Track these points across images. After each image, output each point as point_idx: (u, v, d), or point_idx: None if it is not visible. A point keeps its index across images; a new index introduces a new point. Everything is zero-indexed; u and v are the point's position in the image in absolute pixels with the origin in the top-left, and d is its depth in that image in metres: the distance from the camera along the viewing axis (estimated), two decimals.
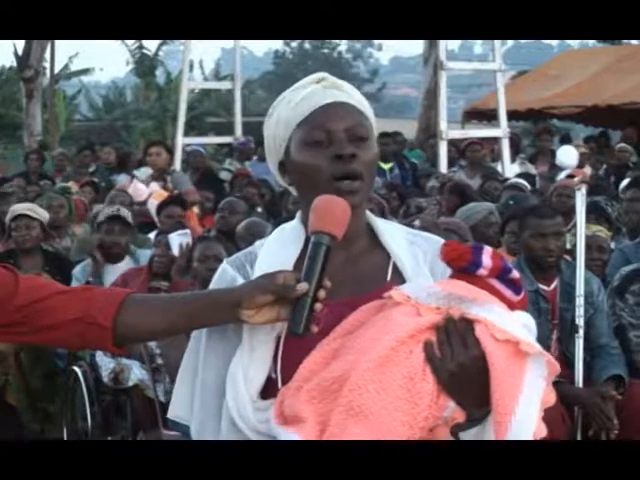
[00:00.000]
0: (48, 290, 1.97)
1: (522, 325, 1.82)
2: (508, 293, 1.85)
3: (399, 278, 1.96)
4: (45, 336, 1.97)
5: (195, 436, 1.99)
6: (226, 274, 2.01)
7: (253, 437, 1.89)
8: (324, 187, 1.91)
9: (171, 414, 2.05)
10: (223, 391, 1.92)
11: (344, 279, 1.94)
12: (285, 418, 1.84)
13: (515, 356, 1.78)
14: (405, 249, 1.99)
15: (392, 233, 2.03)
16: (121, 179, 10.60)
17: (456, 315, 1.81)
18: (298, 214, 2.04)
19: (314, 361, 1.86)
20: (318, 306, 1.83)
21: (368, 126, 1.97)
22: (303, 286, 1.82)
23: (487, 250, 1.84)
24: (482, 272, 1.83)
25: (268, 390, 1.91)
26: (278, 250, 2.00)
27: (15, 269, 2.00)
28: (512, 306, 1.85)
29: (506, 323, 1.79)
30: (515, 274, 1.85)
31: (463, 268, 1.84)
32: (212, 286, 2.03)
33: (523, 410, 1.76)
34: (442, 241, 2.00)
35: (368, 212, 2.05)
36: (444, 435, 1.83)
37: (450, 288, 1.84)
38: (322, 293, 1.84)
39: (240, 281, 1.97)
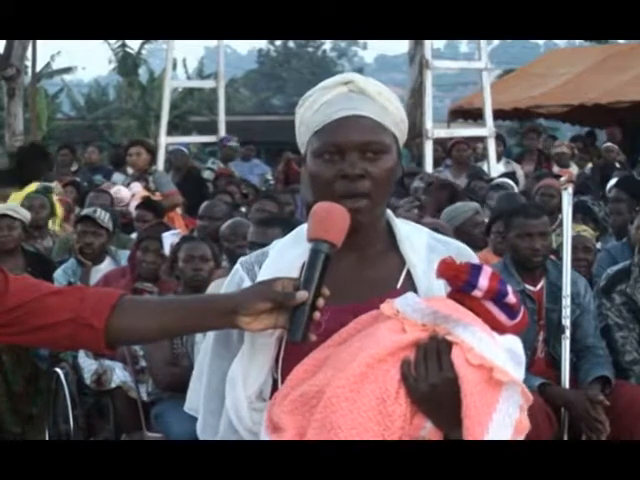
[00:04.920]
0: (39, 290, 1.96)
1: (506, 350, 1.80)
2: (502, 317, 1.83)
3: (410, 286, 1.94)
4: (36, 337, 1.96)
5: (199, 432, 2.04)
6: (236, 274, 2.03)
7: (248, 437, 1.91)
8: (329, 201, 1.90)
9: (186, 407, 2.09)
10: (224, 391, 1.94)
11: (354, 282, 1.94)
12: (272, 425, 1.85)
13: (489, 382, 1.77)
14: (422, 255, 1.97)
15: (412, 238, 2.00)
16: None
17: (441, 334, 1.79)
18: None
19: (304, 369, 1.86)
20: (317, 314, 1.83)
21: (385, 139, 1.94)
22: (302, 294, 1.81)
23: (485, 271, 1.82)
24: (477, 293, 1.81)
25: (272, 391, 1.92)
26: (287, 252, 1.99)
27: (4, 269, 1.98)
28: (504, 330, 1.83)
29: (486, 348, 1.77)
30: (512, 298, 1.83)
31: (458, 287, 1.82)
32: (225, 285, 2.04)
33: (492, 437, 1.75)
34: (463, 246, 2.01)
35: (390, 213, 2.03)
36: None
37: (436, 306, 1.82)
38: (321, 301, 1.83)
39: (247, 283, 1.98)
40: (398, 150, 1.98)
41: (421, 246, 1.99)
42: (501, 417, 1.76)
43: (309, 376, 1.84)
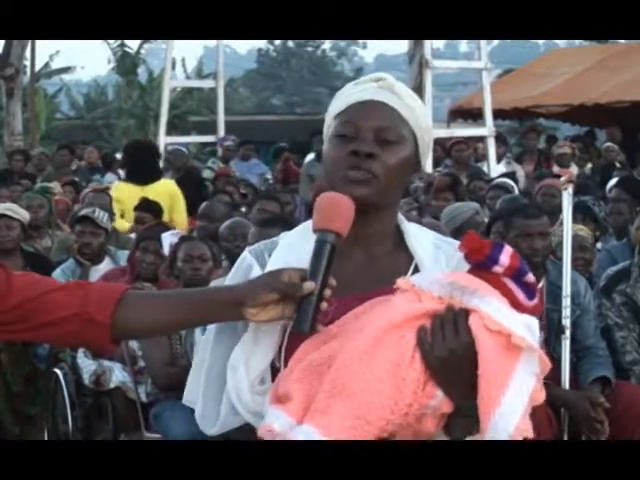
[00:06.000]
0: (43, 287, 1.95)
1: (524, 325, 1.81)
2: (521, 296, 1.84)
3: None
4: (41, 333, 1.96)
5: (198, 419, 2.02)
6: (244, 261, 2.02)
7: (250, 419, 1.91)
8: (337, 178, 1.92)
9: (184, 399, 2.07)
10: (226, 378, 1.94)
11: (362, 277, 1.95)
12: (278, 398, 1.85)
13: (506, 348, 1.78)
14: (429, 253, 1.99)
15: (419, 237, 2.02)
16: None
17: (457, 306, 1.80)
18: None
19: (311, 343, 1.86)
20: (324, 305, 1.83)
21: (402, 130, 1.95)
22: (309, 285, 1.82)
23: (507, 249, 1.84)
24: (498, 269, 1.83)
25: (273, 379, 1.92)
26: (297, 242, 1.99)
27: (7, 267, 1.98)
28: (522, 309, 1.84)
29: (503, 317, 1.79)
30: (531, 277, 1.85)
31: (480, 262, 1.83)
32: (231, 272, 2.04)
33: (509, 402, 1.75)
34: None
35: (401, 216, 2.04)
36: (432, 425, 1.82)
37: (454, 277, 1.84)
38: (327, 292, 1.83)
39: (256, 269, 1.98)
40: (416, 153, 1.99)
41: (427, 244, 2.01)
42: (518, 384, 1.77)
43: (315, 349, 1.84)
